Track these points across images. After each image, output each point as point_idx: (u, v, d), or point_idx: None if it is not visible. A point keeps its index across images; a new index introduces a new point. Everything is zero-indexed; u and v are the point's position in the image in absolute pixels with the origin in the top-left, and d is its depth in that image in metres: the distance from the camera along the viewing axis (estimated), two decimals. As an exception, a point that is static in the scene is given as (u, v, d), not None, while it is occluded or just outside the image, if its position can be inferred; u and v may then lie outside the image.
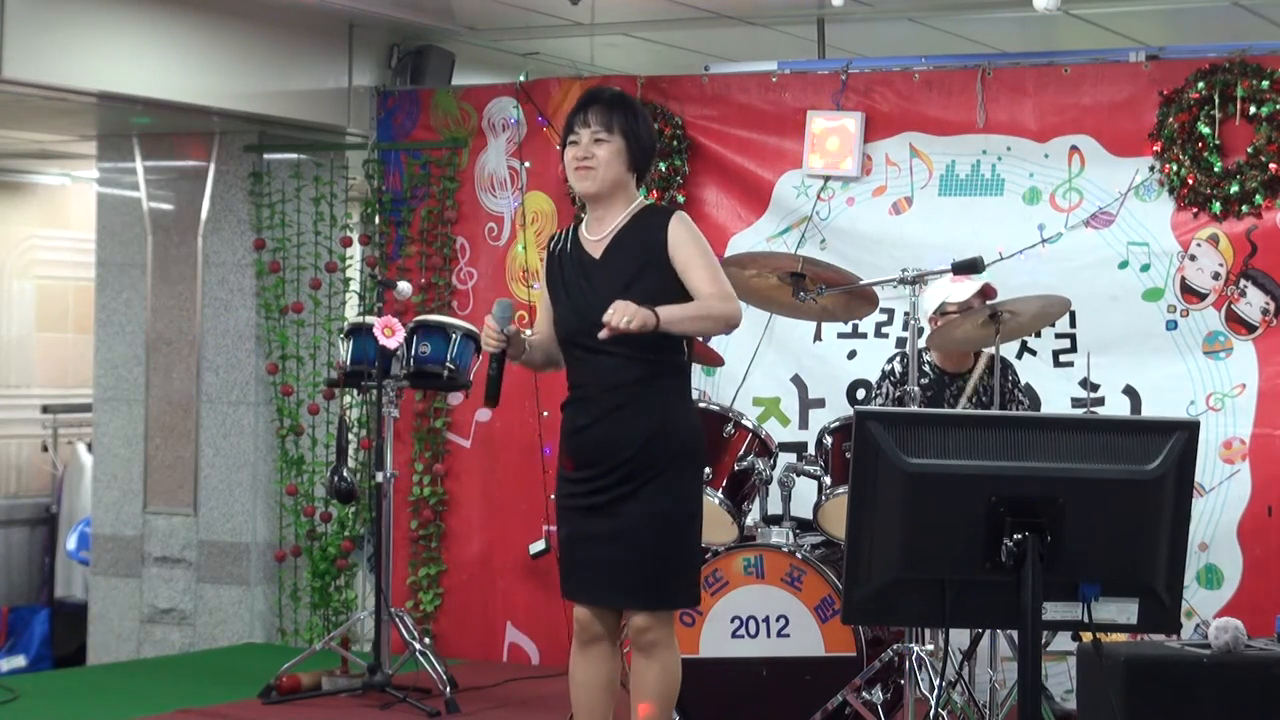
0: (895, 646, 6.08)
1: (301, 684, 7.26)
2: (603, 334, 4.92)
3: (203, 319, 8.74)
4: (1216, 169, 6.97)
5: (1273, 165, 6.89)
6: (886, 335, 7.51)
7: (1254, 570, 6.96)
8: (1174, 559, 3.69)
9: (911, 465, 3.59)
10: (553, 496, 5.38)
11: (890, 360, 6.82)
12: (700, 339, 5.36)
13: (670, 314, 4.99)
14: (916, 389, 6.22)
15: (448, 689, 7.08)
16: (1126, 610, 3.69)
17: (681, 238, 5.10)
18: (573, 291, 5.16)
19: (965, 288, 6.57)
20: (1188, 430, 3.65)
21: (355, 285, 8.72)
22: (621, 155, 5.14)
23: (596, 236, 5.20)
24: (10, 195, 10.80)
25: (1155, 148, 7.10)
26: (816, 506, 6.56)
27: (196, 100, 7.95)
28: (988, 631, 6.25)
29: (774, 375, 7.70)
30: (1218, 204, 6.98)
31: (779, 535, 6.49)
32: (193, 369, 8.76)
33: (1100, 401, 7.13)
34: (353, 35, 8.54)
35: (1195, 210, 7.05)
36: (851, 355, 7.58)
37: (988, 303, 6.46)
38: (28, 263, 10.72)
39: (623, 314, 4.91)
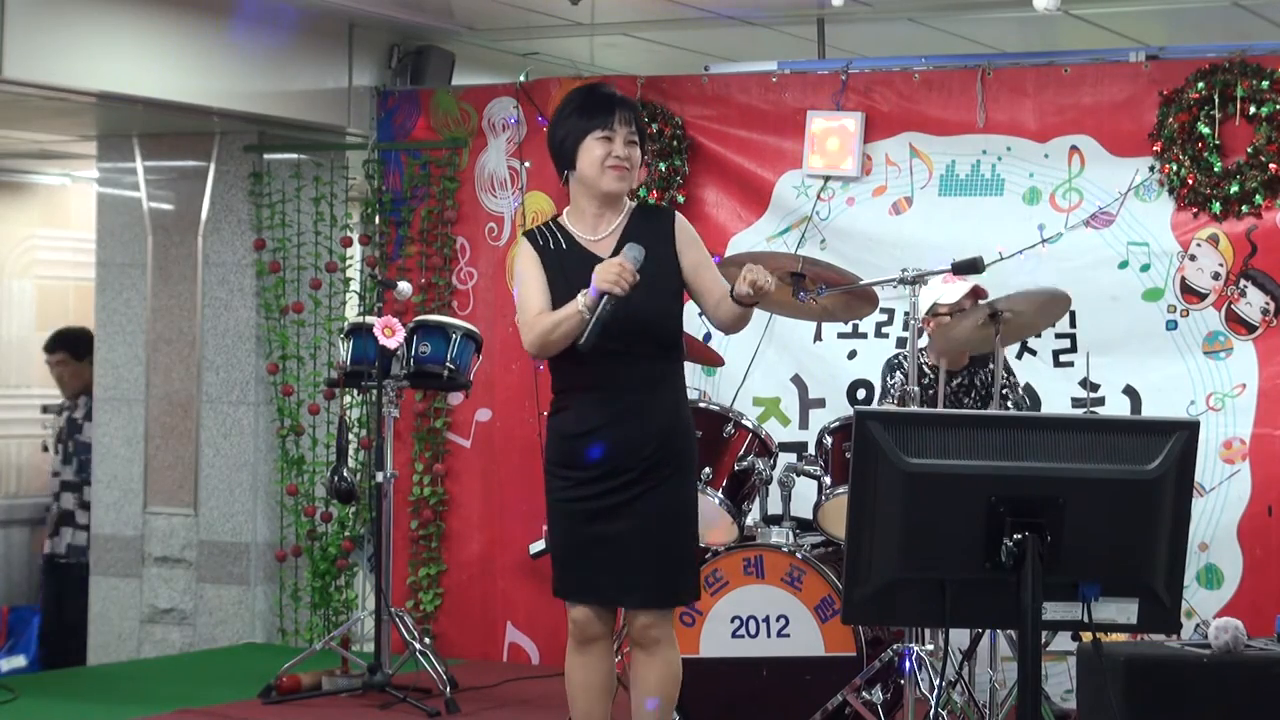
0: (895, 646, 6.08)
1: (301, 684, 7.26)
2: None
3: (203, 319, 8.73)
4: (1216, 169, 6.97)
5: (1273, 165, 6.89)
6: (886, 335, 7.51)
7: (1254, 570, 6.96)
8: (1174, 559, 3.69)
9: (911, 465, 3.59)
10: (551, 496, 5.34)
11: (895, 356, 6.83)
12: (723, 330, 5.36)
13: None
14: (916, 389, 6.22)
15: (448, 689, 7.07)
16: (1126, 610, 3.69)
17: (692, 237, 5.20)
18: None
19: (955, 289, 6.58)
20: (1188, 430, 3.65)
21: (355, 285, 8.71)
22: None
23: (598, 235, 5.18)
24: (10, 195, 10.79)
25: (1155, 148, 7.09)
26: (816, 506, 6.56)
27: (196, 100, 7.94)
28: (988, 631, 6.25)
29: (774, 375, 7.70)
30: (1218, 204, 6.98)
31: (779, 535, 6.49)
32: (193, 369, 8.75)
33: (1100, 401, 7.13)
34: (353, 35, 8.53)
35: (1195, 210, 7.05)
36: (851, 355, 7.58)
37: (987, 301, 6.46)
38: (28, 263, 10.70)
39: (769, 277, 4.95)
